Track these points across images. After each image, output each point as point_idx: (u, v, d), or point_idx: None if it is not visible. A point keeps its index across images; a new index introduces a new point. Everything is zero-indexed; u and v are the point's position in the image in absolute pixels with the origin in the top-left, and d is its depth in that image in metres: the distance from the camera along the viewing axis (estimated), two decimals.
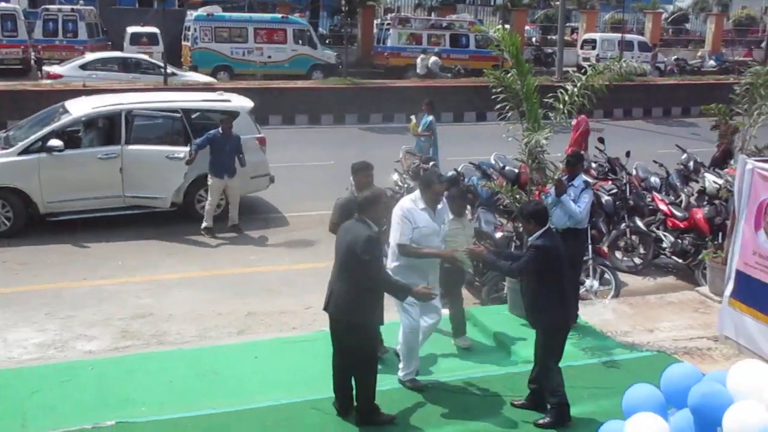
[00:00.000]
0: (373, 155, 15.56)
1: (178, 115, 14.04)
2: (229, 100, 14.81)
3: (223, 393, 7.68)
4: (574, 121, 15.40)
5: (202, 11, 31.22)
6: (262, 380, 8.01)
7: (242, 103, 14.77)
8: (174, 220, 13.58)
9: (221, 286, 11.06)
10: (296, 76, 29.74)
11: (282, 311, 10.23)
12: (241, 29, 30.59)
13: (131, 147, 13.33)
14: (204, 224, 13.07)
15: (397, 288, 7.02)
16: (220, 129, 13.05)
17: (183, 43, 31.40)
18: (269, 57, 30.39)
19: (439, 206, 7.82)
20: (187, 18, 31.54)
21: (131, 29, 31.49)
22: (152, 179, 13.38)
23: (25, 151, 12.92)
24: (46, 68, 26.72)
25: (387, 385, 7.59)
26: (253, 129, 14.40)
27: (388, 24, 35.06)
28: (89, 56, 26.71)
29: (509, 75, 10.37)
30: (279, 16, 32.85)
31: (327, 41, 36.89)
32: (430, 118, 16.18)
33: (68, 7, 32.37)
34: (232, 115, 13.92)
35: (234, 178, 13.18)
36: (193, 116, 14.20)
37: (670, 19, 57.06)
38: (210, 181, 13.10)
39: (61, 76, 24.86)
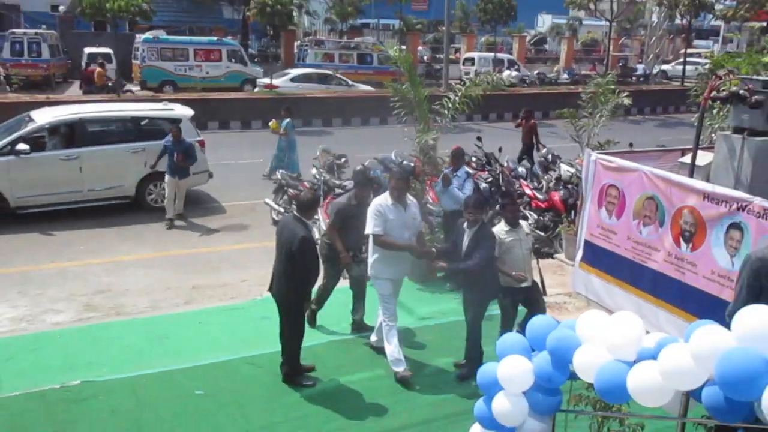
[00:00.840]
0: (288, 154, 15.56)
1: (129, 121, 13.83)
2: (172, 109, 14.51)
3: (173, 354, 7.54)
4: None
5: (149, 34, 30.34)
6: (205, 342, 7.89)
7: (184, 111, 14.46)
8: (128, 211, 13.25)
9: (170, 264, 10.82)
10: (230, 88, 29.23)
11: (222, 284, 10.07)
12: (183, 50, 29.84)
13: (88, 149, 13.04)
14: (167, 215, 12.78)
15: (316, 271, 6.88)
16: (170, 137, 12.67)
17: (133, 61, 30.49)
18: (207, 73, 29.80)
19: (410, 202, 7.36)
20: (136, 40, 30.63)
21: (88, 50, 30.56)
22: (110, 174, 13.20)
23: None
24: (265, 80, 28.34)
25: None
26: (194, 133, 14.13)
27: (306, 45, 34.78)
28: (295, 72, 29.63)
29: (404, 87, 10.44)
30: (215, 38, 32.21)
31: (256, 59, 36.31)
32: (287, 120, 16.14)
33: (32, 30, 31.06)
34: (175, 121, 13.73)
35: (184, 180, 12.93)
36: (142, 123, 13.93)
37: (532, 41, 58.15)
38: (166, 179, 12.76)
39: (277, 87, 27.28)
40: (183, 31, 38.86)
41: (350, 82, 29.37)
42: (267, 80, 28.08)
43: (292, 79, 28.40)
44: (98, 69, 26.53)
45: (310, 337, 7.61)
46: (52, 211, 12.72)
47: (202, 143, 14.14)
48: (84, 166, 12.91)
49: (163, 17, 39.81)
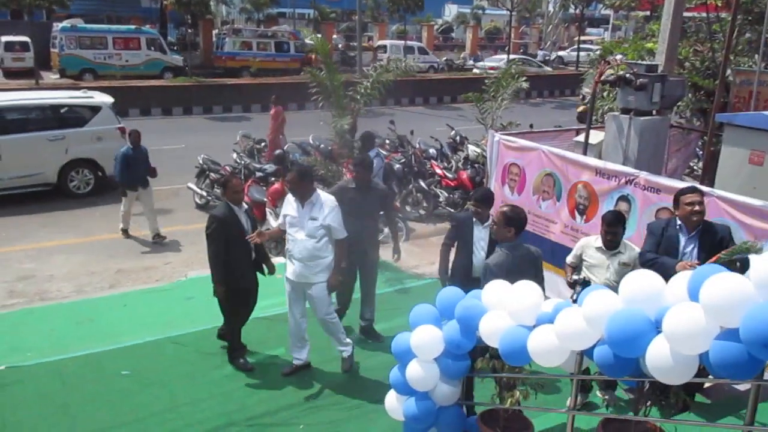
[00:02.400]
0: (216, 140, 15.22)
1: (48, 109, 13.22)
2: (92, 97, 13.94)
3: (98, 337, 7.28)
4: (272, 111, 15.51)
5: (66, 23, 28.90)
6: (130, 324, 7.64)
7: (104, 99, 13.90)
8: (48, 198, 12.69)
9: (94, 249, 10.43)
10: (150, 76, 28.26)
11: (146, 267, 9.78)
12: (102, 38, 28.57)
13: (8, 137, 12.44)
14: (121, 226, 11.10)
15: (214, 264, 6.33)
16: (129, 144, 10.67)
17: (51, 50, 28.97)
18: (127, 61, 28.69)
19: (315, 202, 6.19)
20: (54, 29, 29.11)
21: (5, 38, 29.00)
22: (31, 162, 12.65)
23: None
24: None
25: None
26: (114, 120, 13.63)
27: (224, 34, 33.86)
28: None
29: (322, 73, 10.34)
30: (133, 27, 30.99)
31: (175, 48, 35.14)
32: None
33: None
34: (95, 109, 13.23)
35: (147, 188, 10.94)
36: (62, 110, 13.31)
37: (440, 30, 58.55)
38: (126, 192, 10.85)
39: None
40: (101, 19, 37.27)
41: None
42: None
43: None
44: None
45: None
46: None
47: (122, 130, 13.62)
48: (4, 154, 12.33)
49: (81, 6, 38.01)
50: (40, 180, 12.84)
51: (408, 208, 12.43)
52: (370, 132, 10.33)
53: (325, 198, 6.29)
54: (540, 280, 5.11)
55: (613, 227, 5.65)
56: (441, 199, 12.60)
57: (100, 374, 6.46)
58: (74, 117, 13.30)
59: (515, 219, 5.26)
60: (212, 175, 12.69)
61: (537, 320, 4.07)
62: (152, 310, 8.04)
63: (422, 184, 12.66)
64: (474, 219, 6.20)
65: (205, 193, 12.48)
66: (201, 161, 13.14)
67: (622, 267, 5.60)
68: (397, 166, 12.91)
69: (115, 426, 5.69)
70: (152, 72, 28.80)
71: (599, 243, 5.79)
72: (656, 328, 3.47)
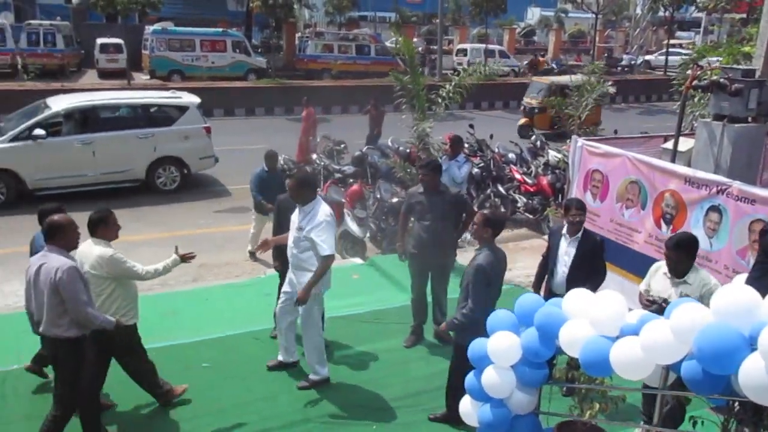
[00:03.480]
0: (296, 141, 15.51)
1: (139, 108, 13.82)
2: (180, 97, 14.47)
3: (181, 329, 7.53)
4: (303, 113, 15.48)
5: (158, 26, 30.07)
6: (211, 317, 7.88)
7: (191, 99, 14.41)
8: (138, 194, 13.22)
9: (178, 244, 10.76)
10: (235, 77, 29.04)
11: (227, 263, 10.06)
12: (190, 40, 29.56)
13: (101, 134, 13.05)
14: (249, 248, 10.39)
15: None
16: (265, 167, 9.89)
17: (143, 52, 30.18)
18: (213, 63, 29.54)
19: (311, 210, 5.99)
20: (146, 31, 30.31)
21: (100, 40, 30.26)
22: (121, 158, 13.20)
23: (15, 138, 12.47)
24: None
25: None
26: (200, 120, 14.11)
27: (307, 36, 34.48)
28: None
29: (406, 76, 10.41)
30: (220, 30, 31.92)
31: (259, 50, 35.98)
32: None
33: (48, 22, 30.76)
34: (182, 109, 13.74)
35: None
36: (152, 110, 13.91)
37: (522, 33, 57.82)
38: (254, 215, 10.33)
39: None
40: (190, 22, 38.58)
41: None
42: None
43: None
44: None
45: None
46: (67, 192, 12.69)
47: (208, 129, 14.10)
48: (97, 151, 12.94)
49: (171, 9, 39.47)
50: (129, 176, 13.41)
51: None
52: (459, 136, 10.26)
53: (321, 210, 5.95)
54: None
55: (674, 252, 5.02)
56: (519, 205, 12.44)
57: (183, 365, 6.68)
58: (163, 116, 13.85)
59: (494, 221, 5.35)
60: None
61: (621, 331, 3.95)
62: (232, 305, 8.26)
63: (501, 188, 12.52)
64: (564, 231, 6.04)
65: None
66: (282, 161, 13.40)
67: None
68: (476, 170, 12.81)
69: (195, 416, 5.87)
70: (237, 74, 29.58)
71: (666, 268, 5.23)
72: (750, 344, 3.32)
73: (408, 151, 13.36)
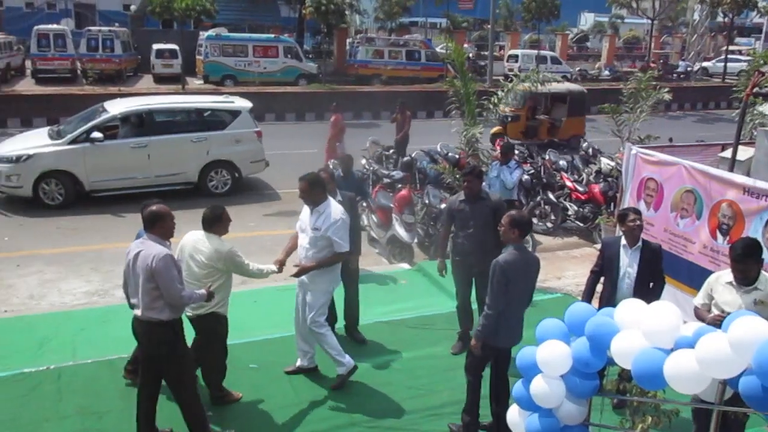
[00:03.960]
0: (346, 144, 15.61)
1: (193, 112, 14.12)
2: (232, 102, 14.70)
3: (231, 330, 7.60)
4: (332, 118, 15.38)
5: (212, 32, 30.67)
6: (259, 319, 7.98)
7: (243, 103, 14.64)
8: (190, 196, 13.47)
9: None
10: (286, 83, 29.42)
11: None
12: (243, 46, 30.06)
13: (156, 138, 13.36)
14: None
15: None
16: (339, 171, 9.39)
17: (197, 57, 30.84)
18: (265, 68, 29.97)
19: (323, 211, 6.12)
20: (200, 37, 30.98)
21: (156, 46, 31.04)
22: (175, 161, 13.48)
23: (74, 141, 12.84)
24: None
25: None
26: (252, 124, 14.32)
27: (358, 42, 34.73)
28: None
29: (458, 82, 10.40)
30: (272, 36, 32.38)
31: (310, 56, 36.37)
32: None
33: (106, 28, 31.68)
34: (235, 113, 13.96)
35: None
36: (205, 114, 14.17)
37: (574, 39, 57.13)
38: None
39: None
40: (243, 28, 39.23)
41: None
42: None
43: None
44: None
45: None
46: (122, 194, 13.04)
47: (259, 134, 14.31)
48: (152, 154, 13.22)
49: (225, 15, 40.19)
50: (182, 179, 13.68)
51: (535, 221, 12.18)
52: (511, 142, 10.20)
53: (334, 209, 6.12)
54: (533, 289, 5.54)
55: (741, 262, 4.79)
56: (570, 213, 12.28)
57: (232, 365, 6.74)
58: (216, 120, 14.10)
59: (520, 222, 5.29)
60: None
61: (675, 343, 3.86)
62: (280, 308, 8.31)
63: (551, 196, 12.39)
64: (623, 242, 5.90)
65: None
66: (331, 166, 13.49)
67: (758, 306, 4.74)
68: (526, 177, 12.69)
69: (242, 417, 5.95)
70: (288, 79, 29.96)
71: (730, 277, 4.98)
72: None
73: (457, 157, 13.32)
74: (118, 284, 9.05)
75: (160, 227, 5.19)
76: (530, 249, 10.44)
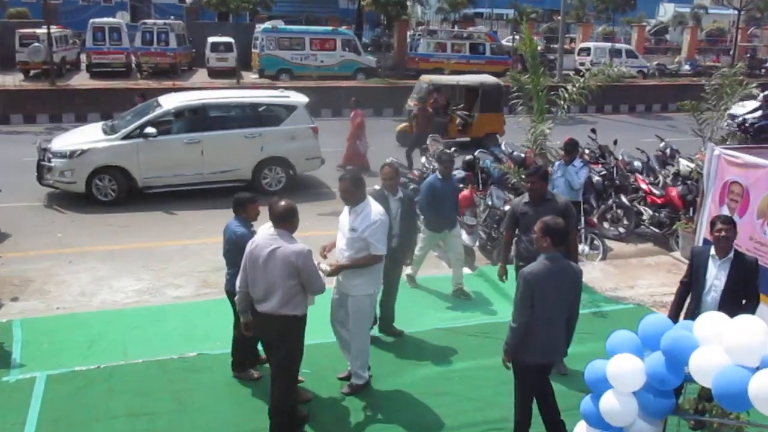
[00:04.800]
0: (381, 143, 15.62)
1: (248, 107, 14.32)
2: (288, 96, 14.89)
3: None
4: (352, 114, 15.17)
5: (268, 24, 31.15)
6: (315, 323, 8.01)
7: (299, 98, 14.77)
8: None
9: None
10: (344, 77, 29.60)
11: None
12: (300, 39, 30.38)
13: (210, 133, 13.62)
14: (408, 270, 9.03)
15: None
16: (438, 173, 8.78)
17: (252, 50, 31.35)
18: (322, 62, 30.21)
19: (362, 211, 6.15)
20: (256, 30, 31.48)
21: (211, 39, 31.63)
22: (229, 158, 13.70)
23: (127, 137, 13.19)
24: None
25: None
26: (308, 120, 14.44)
27: (419, 35, 34.72)
28: None
29: (526, 76, 10.32)
30: (330, 28, 32.69)
31: (369, 49, 36.58)
32: None
33: (162, 21, 32.50)
34: (290, 108, 14.12)
35: (454, 230, 8.97)
36: (260, 109, 14.36)
37: (652, 31, 55.83)
38: (424, 234, 8.99)
39: None
40: (300, 20, 39.72)
41: None
42: None
43: None
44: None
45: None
46: (174, 191, 13.37)
47: (315, 130, 14.42)
48: (205, 150, 13.49)
49: (282, 7, 40.78)
50: (236, 176, 13.89)
51: (606, 225, 11.97)
52: (574, 139, 10.05)
53: (373, 209, 6.14)
54: (577, 304, 5.28)
55: None
56: (644, 218, 12.02)
57: None
58: (271, 116, 14.30)
59: (553, 229, 5.11)
60: (401, 179, 13.01)
61: (762, 361, 3.73)
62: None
63: (624, 199, 12.14)
64: (712, 252, 5.68)
65: None
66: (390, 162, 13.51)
67: None
68: (597, 178, 12.48)
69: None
70: (346, 73, 30.16)
71: None
72: None
73: (523, 156, 13.18)
74: (171, 283, 9.39)
75: (290, 223, 5.54)
76: (600, 255, 10.31)
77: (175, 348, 7.29)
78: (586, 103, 11.35)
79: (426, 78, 20.03)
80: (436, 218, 8.72)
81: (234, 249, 6.30)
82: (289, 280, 5.37)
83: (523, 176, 10.17)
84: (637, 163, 13.67)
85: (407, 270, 8.93)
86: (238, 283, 5.72)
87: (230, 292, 6.33)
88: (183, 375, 6.80)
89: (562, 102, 10.15)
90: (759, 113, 19.59)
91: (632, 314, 7.89)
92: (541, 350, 5.24)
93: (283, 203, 5.58)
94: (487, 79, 20.32)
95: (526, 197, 7.06)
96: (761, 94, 18.33)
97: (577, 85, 10.17)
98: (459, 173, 12.48)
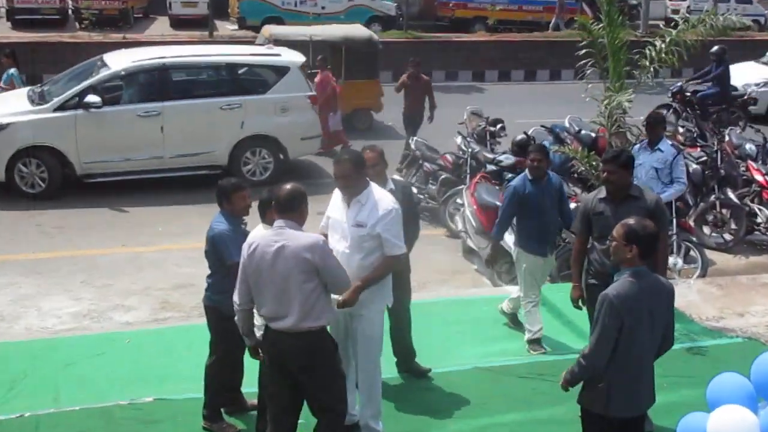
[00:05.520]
0: (435, 118, 15.61)
1: (224, 69, 14.30)
2: (278, 54, 14.83)
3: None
4: (317, 77, 15.14)
5: None
6: None
7: (293, 57, 14.73)
8: (213, 185, 13.70)
9: None
10: None
11: None
12: None
13: (172, 103, 13.56)
14: (506, 307, 8.87)
15: None
16: (528, 174, 8.24)
17: None
18: (323, 8, 29.98)
19: (365, 202, 6.13)
20: None
21: None
22: (198, 136, 13.69)
23: (61, 107, 13.19)
24: None
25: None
26: (305, 86, 14.36)
27: None
28: None
29: (599, 26, 10.29)
30: None
31: None
32: (12, 70, 15.22)
33: None
34: (281, 71, 14.04)
35: (550, 257, 8.61)
36: (240, 71, 14.32)
37: None
38: (519, 256, 8.49)
39: None
40: None
41: None
42: None
43: None
44: None
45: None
46: (126, 181, 13.40)
47: (314, 99, 14.37)
48: (166, 125, 13.45)
49: None
50: (207, 160, 13.86)
51: (706, 230, 11.92)
52: (660, 113, 10.04)
53: (380, 197, 6.15)
54: (672, 330, 5.23)
55: None
56: (760, 220, 11.97)
57: None
58: (254, 80, 14.30)
59: (640, 235, 5.03)
60: (426, 165, 13.02)
61: None
62: None
63: (731, 195, 12.08)
64: None
65: (415, 190, 12.82)
66: (413, 146, 13.52)
67: None
68: (695, 166, 12.40)
69: None
70: (355, 22, 30.00)
71: None
72: None
73: (594, 135, 13.14)
74: (119, 304, 9.44)
75: (298, 211, 5.58)
76: (699, 270, 10.27)
77: (125, 391, 7.30)
78: (681, 65, 11.28)
79: (266, 31, 18.79)
80: (538, 234, 8.34)
81: (210, 250, 6.39)
82: (307, 283, 5.40)
83: (595, 163, 10.14)
84: (750, 147, 13.56)
85: (505, 304, 8.90)
86: (236, 298, 5.72)
87: (208, 307, 6.45)
88: (135, 427, 6.79)
89: (647, 63, 10.11)
90: None
91: (742, 351, 7.86)
92: (626, 398, 5.13)
93: (288, 186, 5.65)
94: (355, 31, 19.58)
95: (601, 192, 7.01)
96: None
97: (668, 39, 10.11)
98: (507, 158, 12.47)
